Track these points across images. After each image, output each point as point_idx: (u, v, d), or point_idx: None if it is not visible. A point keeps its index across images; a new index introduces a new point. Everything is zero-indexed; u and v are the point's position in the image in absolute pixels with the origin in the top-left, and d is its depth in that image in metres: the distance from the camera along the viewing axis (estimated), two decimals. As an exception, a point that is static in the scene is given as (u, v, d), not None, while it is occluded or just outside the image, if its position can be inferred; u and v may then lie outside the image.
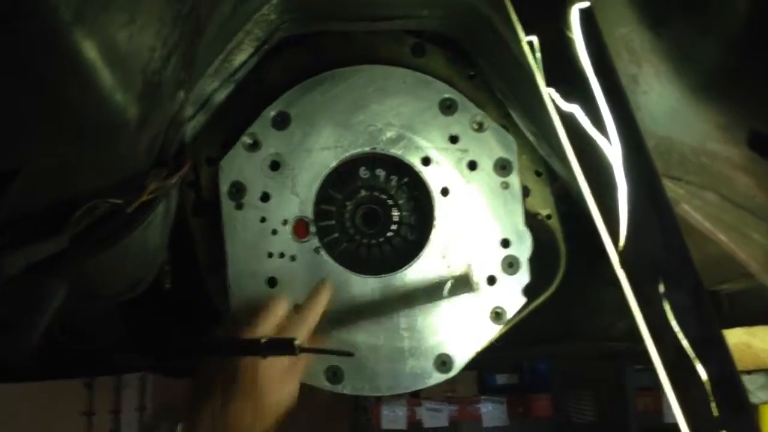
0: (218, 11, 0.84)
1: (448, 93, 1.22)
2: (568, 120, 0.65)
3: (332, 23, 1.11)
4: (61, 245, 0.67)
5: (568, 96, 0.64)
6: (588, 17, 0.62)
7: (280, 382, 1.05)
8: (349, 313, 1.20)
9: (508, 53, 1.03)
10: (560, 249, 1.34)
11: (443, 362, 1.21)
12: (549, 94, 0.65)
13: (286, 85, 1.23)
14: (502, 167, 1.23)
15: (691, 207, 0.81)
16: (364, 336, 1.21)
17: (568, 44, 0.63)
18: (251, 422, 1.02)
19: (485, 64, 1.20)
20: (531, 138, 1.22)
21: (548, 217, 1.34)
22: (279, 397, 1.05)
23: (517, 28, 0.65)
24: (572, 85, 0.64)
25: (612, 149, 0.63)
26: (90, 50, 0.55)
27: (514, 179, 1.23)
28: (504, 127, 1.27)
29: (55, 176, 0.65)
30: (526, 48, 0.65)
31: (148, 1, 0.60)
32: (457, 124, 1.22)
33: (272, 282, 1.19)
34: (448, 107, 1.22)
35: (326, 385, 1.20)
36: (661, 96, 0.70)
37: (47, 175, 0.64)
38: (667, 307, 0.64)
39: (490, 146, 1.22)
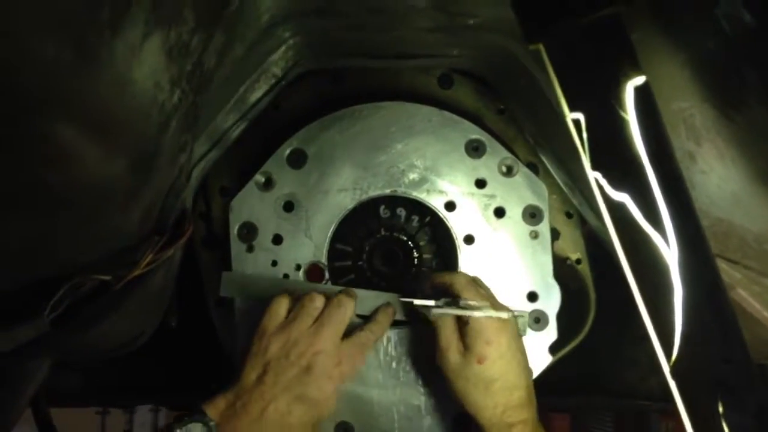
0: (229, 57, 0.77)
1: (476, 134, 1.13)
2: (617, 210, 0.56)
3: (354, 60, 1.03)
4: (41, 329, 0.60)
5: (617, 183, 0.56)
6: (644, 95, 0.54)
7: (337, 363, 0.99)
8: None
9: (542, 99, 0.95)
10: (590, 296, 1.26)
11: (462, 422, 1.13)
12: (596, 179, 0.57)
13: (305, 115, 1.16)
14: (532, 215, 1.14)
15: (748, 293, 0.72)
16: (377, 391, 1.13)
17: (620, 125, 0.55)
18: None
19: (516, 105, 1.12)
20: (563, 187, 1.14)
21: (578, 261, 1.26)
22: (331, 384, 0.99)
23: (562, 103, 0.57)
24: (623, 171, 0.56)
25: (668, 248, 0.55)
26: (68, 128, 0.48)
27: (544, 228, 1.14)
28: (533, 165, 1.19)
29: (34, 253, 0.58)
30: (572, 126, 0.56)
31: (142, 67, 0.52)
32: (485, 167, 1.14)
33: None
34: (475, 149, 1.14)
35: (337, 442, 1.13)
36: (722, 179, 0.62)
37: (24, 253, 0.57)
38: (725, 429, 0.56)
39: (520, 192, 1.14)
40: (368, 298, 1.10)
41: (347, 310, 1.02)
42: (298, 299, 1.03)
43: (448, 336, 1.01)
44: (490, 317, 0.99)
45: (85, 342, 0.78)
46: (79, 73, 0.45)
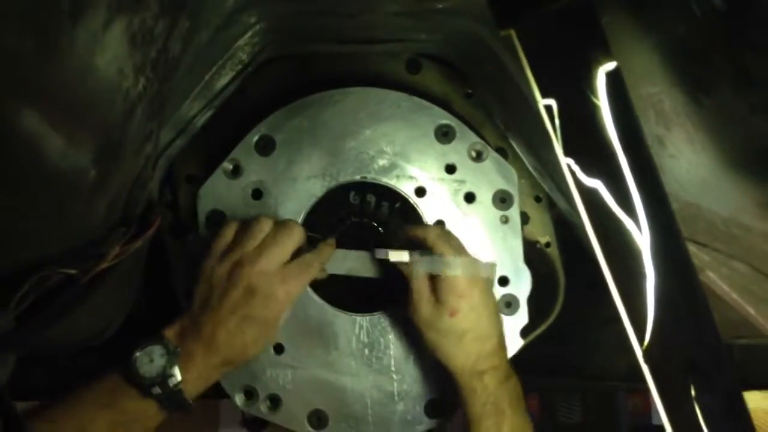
0: (194, 43, 0.75)
1: (445, 119, 1.13)
2: (589, 196, 0.56)
3: (321, 45, 1.02)
4: (5, 326, 0.58)
5: (590, 169, 0.56)
6: (616, 81, 0.54)
7: (281, 282, 0.98)
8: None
9: (511, 83, 0.95)
10: (559, 279, 1.27)
11: (435, 407, 1.14)
12: (569, 166, 0.57)
13: (273, 101, 1.14)
14: (502, 200, 1.14)
15: (717, 275, 0.73)
16: (350, 378, 1.12)
17: (591, 110, 0.55)
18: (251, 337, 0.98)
19: (484, 90, 1.11)
20: (533, 171, 1.14)
21: (547, 245, 1.26)
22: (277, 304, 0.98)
23: (534, 89, 0.56)
24: (596, 157, 0.56)
25: (641, 234, 0.55)
26: (29, 117, 0.46)
27: (514, 213, 1.14)
28: (502, 150, 1.19)
29: (-4, 248, 0.56)
30: (544, 112, 0.56)
31: (105, 54, 0.51)
32: (454, 152, 1.13)
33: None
34: (444, 134, 1.13)
35: (309, 431, 1.12)
36: (691, 163, 0.62)
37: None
38: (698, 411, 0.56)
39: (489, 177, 1.14)
40: (341, 257, 1.10)
41: (293, 234, 1.01)
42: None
43: (420, 288, 1.02)
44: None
45: (50, 336, 0.76)
46: (40, 62, 0.43)
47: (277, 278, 0.98)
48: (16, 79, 0.42)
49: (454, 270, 1.00)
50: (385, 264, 1.08)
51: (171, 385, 0.93)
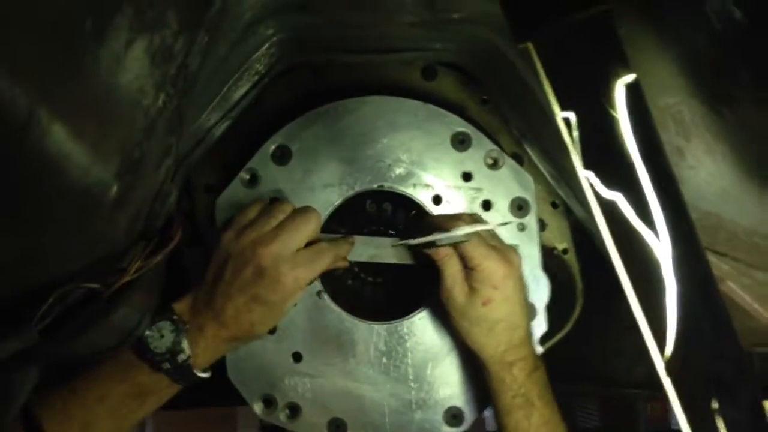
0: (212, 57, 0.76)
1: (462, 127, 1.13)
2: (608, 208, 0.56)
3: (337, 55, 1.02)
4: (30, 341, 0.59)
5: (609, 181, 0.56)
6: (634, 94, 0.54)
7: (291, 267, 0.98)
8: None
9: (527, 91, 0.95)
10: (577, 286, 1.27)
11: (454, 415, 1.14)
12: (587, 178, 0.57)
13: (289, 111, 1.15)
14: (519, 207, 1.14)
15: (737, 285, 0.72)
16: (368, 386, 1.13)
17: (610, 123, 0.55)
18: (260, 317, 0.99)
19: (500, 97, 1.11)
20: (549, 178, 1.13)
21: (564, 251, 1.26)
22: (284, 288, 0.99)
23: (552, 102, 0.56)
24: (615, 169, 0.56)
25: (661, 245, 0.55)
26: (54, 136, 0.47)
27: (531, 220, 1.14)
28: (518, 156, 1.19)
29: (20, 265, 0.56)
30: (562, 125, 0.56)
31: (126, 73, 0.51)
32: (471, 160, 1.13)
33: (271, 330, 1.11)
34: (461, 142, 1.13)
35: (328, 438, 1.12)
36: (711, 174, 0.62)
37: (11, 265, 0.56)
38: (721, 424, 0.56)
39: (506, 185, 1.13)
40: (363, 243, 1.10)
41: (311, 220, 1.01)
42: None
43: (454, 275, 1.02)
44: (496, 261, 1.00)
45: (73, 348, 0.77)
46: (64, 82, 0.44)
47: (288, 263, 0.98)
48: (43, 99, 0.43)
49: (478, 243, 1.00)
50: (409, 250, 1.08)
51: (180, 360, 0.95)
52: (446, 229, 1.01)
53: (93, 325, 0.64)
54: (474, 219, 1.07)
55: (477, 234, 1.02)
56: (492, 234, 1.06)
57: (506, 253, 1.03)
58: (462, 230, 0.99)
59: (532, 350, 1.05)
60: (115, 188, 0.57)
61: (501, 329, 1.02)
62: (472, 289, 1.01)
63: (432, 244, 1.01)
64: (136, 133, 0.57)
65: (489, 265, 1.00)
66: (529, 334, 1.06)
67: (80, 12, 0.41)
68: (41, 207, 0.52)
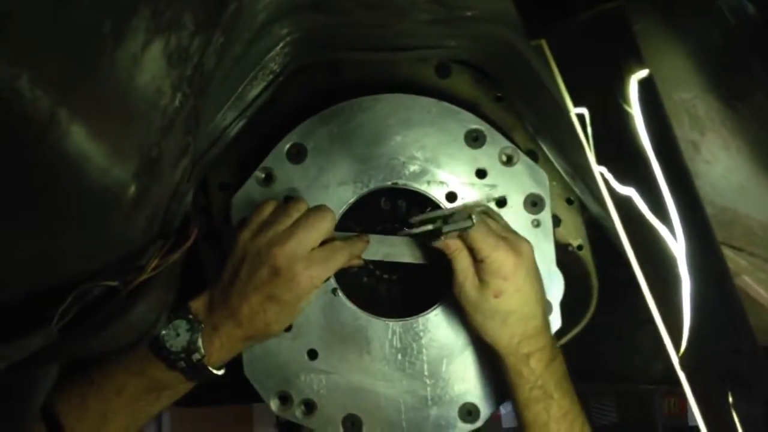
0: (228, 57, 0.76)
1: (475, 124, 1.13)
2: (623, 203, 0.56)
3: (351, 53, 1.03)
4: (50, 338, 0.60)
5: (623, 177, 0.56)
6: (648, 89, 0.54)
7: (306, 266, 0.99)
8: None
9: (541, 87, 0.95)
10: (592, 282, 1.27)
11: (469, 411, 1.14)
12: (602, 174, 0.57)
13: (303, 109, 1.16)
14: (533, 204, 1.14)
15: (753, 279, 0.72)
16: (383, 383, 1.13)
17: (624, 119, 0.55)
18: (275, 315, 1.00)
19: (514, 94, 1.11)
20: (564, 174, 1.13)
21: (579, 248, 1.26)
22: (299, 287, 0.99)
23: (566, 98, 0.56)
24: (629, 165, 0.56)
25: (675, 241, 0.55)
26: (74, 137, 0.47)
27: (545, 216, 1.14)
28: (532, 152, 1.19)
29: (40, 264, 0.57)
30: (576, 121, 0.56)
31: (143, 74, 0.52)
32: (485, 157, 1.13)
33: (287, 327, 1.12)
34: (475, 139, 1.13)
35: (344, 435, 1.13)
36: (727, 168, 0.62)
37: (31, 265, 0.56)
38: (736, 419, 0.56)
39: (520, 181, 1.14)
40: (377, 242, 1.11)
41: (326, 218, 1.02)
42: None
43: (465, 269, 1.02)
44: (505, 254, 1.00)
45: (93, 345, 0.78)
46: (83, 84, 0.45)
47: (303, 262, 0.98)
48: (63, 100, 0.43)
49: (480, 225, 1.00)
50: (424, 249, 1.08)
51: (195, 360, 0.97)
52: (447, 215, 1.02)
53: (112, 322, 0.65)
54: (486, 208, 1.07)
55: (484, 223, 1.02)
56: (503, 225, 1.06)
57: (516, 243, 1.03)
58: (460, 206, 0.99)
59: (550, 339, 1.05)
60: (133, 188, 0.58)
61: (514, 320, 1.01)
62: (483, 282, 1.01)
63: (438, 234, 1.02)
64: (153, 133, 0.58)
65: (498, 256, 1.00)
66: (545, 323, 1.05)
67: (99, 14, 0.42)
68: (61, 207, 0.53)
